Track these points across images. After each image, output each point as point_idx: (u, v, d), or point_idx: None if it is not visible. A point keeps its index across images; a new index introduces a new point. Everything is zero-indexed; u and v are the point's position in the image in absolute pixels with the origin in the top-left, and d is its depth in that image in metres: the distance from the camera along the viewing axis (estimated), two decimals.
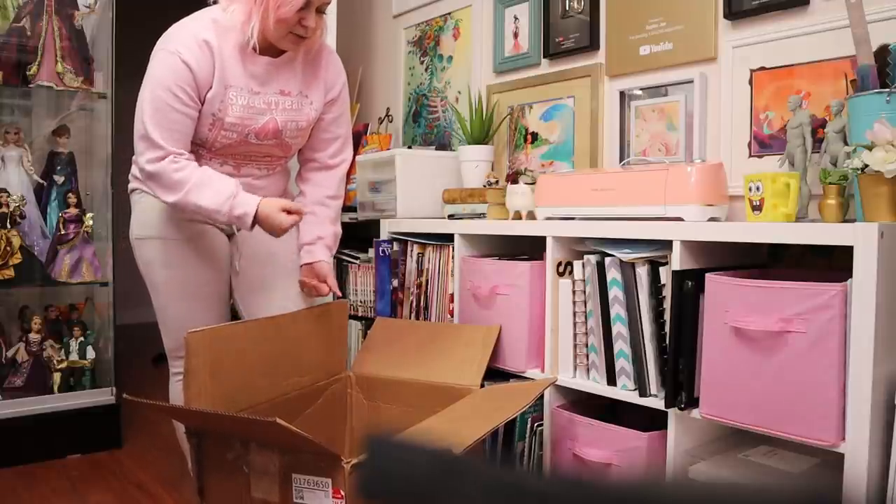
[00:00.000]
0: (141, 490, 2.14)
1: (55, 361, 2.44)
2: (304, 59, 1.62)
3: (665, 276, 1.52)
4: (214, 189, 1.49)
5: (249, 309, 1.72)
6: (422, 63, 2.72)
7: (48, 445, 2.37)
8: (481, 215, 2.06)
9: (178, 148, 1.49)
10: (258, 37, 1.49)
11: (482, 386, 1.72)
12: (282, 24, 1.47)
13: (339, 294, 1.74)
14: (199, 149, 1.58)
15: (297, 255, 1.75)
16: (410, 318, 2.15)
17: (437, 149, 2.55)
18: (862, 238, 1.20)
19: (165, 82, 1.46)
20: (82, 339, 2.50)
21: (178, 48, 1.46)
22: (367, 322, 2.37)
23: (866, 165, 1.28)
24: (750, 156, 1.73)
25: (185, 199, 1.48)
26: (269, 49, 1.56)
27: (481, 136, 2.25)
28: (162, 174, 1.48)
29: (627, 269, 1.59)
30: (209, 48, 1.48)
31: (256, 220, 1.51)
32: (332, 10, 2.50)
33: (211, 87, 1.50)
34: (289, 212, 1.53)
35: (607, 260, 1.62)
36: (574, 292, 1.70)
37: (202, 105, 1.51)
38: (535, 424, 1.76)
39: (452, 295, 2.02)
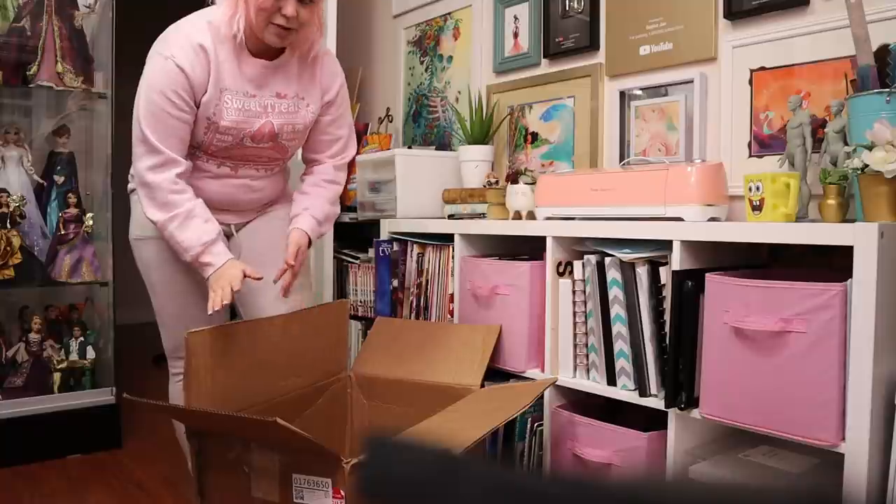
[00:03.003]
0: (141, 490, 2.14)
1: (55, 361, 2.43)
2: (301, 62, 1.61)
3: (665, 276, 1.52)
4: (195, 229, 1.49)
5: (248, 309, 1.72)
6: (422, 63, 2.72)
7: (48, 445, 2.37)
8: (481, 215, 2.06)
9: (175, 153, 1.49)
10: (245, 31, 1.49)
11: (482, 386, 1.72)
12: (261, 14, 1.46)
13: (291, 263, 1.60)
14: (196, 151, 1.58)
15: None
16: (410, 318, 2.15)
17: (437, 149, 2.55)
18: (862, 238, 1.20)
19: (160, 87, 1.46)
20: (82, 339, 2.50)
21: (173, 53, 1.46)
22: (367, 322, 2.37)
23: (866, 165, 1.29)
24: (750, 156, 1.73)
25: (164, 224, 1.49)
26: (264, 52, 1.55)
27: (481, 136, 2.25)
28: (157, 189, 1.48)
29: (627, 269, 1.59)
30: (204, 52, 1.48)
31: (214, 272, 1.50)
32: (331, 10, 2.50)
33: (206, 92, 1.50)
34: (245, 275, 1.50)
35: (607, 260, 1.62)
36: (574, 292, 1.70)
37: (197, 109, 1.51)
38: (535, 424, 1.76)
39: (452, 295, 2.02)
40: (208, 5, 1.55)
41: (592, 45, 2.08)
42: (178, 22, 1.53)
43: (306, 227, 1.66)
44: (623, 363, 1.60)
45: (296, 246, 1.62)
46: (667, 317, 1.51)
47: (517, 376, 1.83)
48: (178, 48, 1.47)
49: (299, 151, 1.80)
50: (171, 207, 1.48)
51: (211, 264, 1.50)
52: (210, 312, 1.47)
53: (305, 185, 1.73)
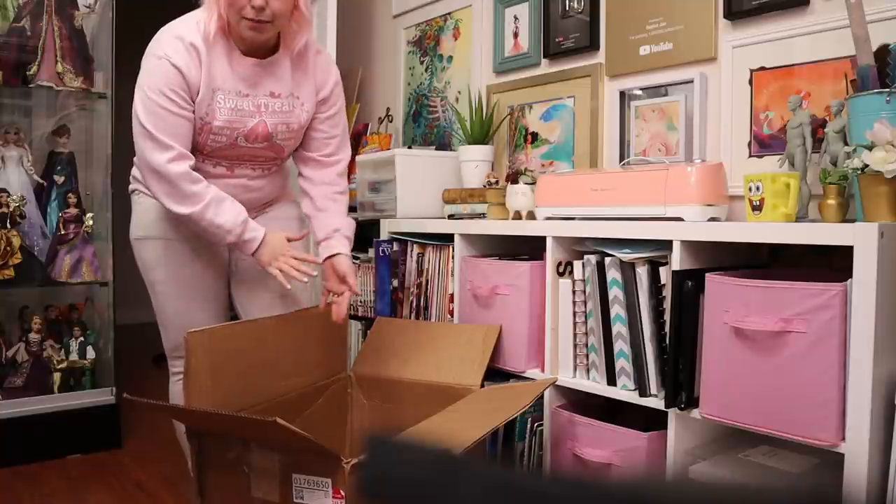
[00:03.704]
0: (141, 490, 2.14)
1: (55, 361, 2.44)
2: (293, 60, 1.61)
3: (665, 276, 1.52)
4: (229, 210, 1.53)
5: (248, 310, 1.72)
6: (422, 63, 2.72)
7: (48, 445, 2.37)
8: (481, 215, 2.07)
9: (185, 148, 1.50)
10: (219, 26, 1.48)
11: (482, 386, 1.72)
12: (231, 8, 1.45)
13: (358, 293, 1.71)
14: (192, 151, 1.58)
15: (298, 254, 1.75)
16: (410, 318, 2.15)
17: (437, 149, 2.55)
18: (862, 238, 1.20)
19: (158, 86, 1.46)
20: (82, 339, 2.50)
21: (166, 52, 1.47)
22: (367, 322, 2.37)
23: (866, 165, 1.29)
24: (750, 156, 1.73)
25: (202, 213, 1.50)
26: (256, 51, 1.55)
27: (481, 136, 2.25)
28: (177, 182, 1.48)
29: (627, 269, 1.59)
30: (196, 51, 1.49)
31: (260, 246, 1.57)
32: (331, 10, 2.50)
33: (199, 91, 1.50)
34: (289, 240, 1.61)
35: (607, 260, 1.62)
36: (574, 292, 1.70)
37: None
38: (535, 424, 1.76)
39: (452, 295, 2.02)
40: (200, 5, 1.55)
41: (592, 45, 2.08)
42: (170, 23, 1.53)
43: (346, 251, 1.68)
44: (623, 363, 1.60)
45: (353, 275, 1.67)
46: (667, 317, 1.51)
47: (517, 376, 1.83)
48: (171, 48, 1.47)
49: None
50: (200, 197, 1.50)
51: (255, 238, 1.55)
52: (305, 280, 1.56)
53: (318, 200, 1.71)
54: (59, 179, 2.50)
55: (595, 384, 1.67)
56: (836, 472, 1.23)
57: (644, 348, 1.56)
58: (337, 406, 1.80)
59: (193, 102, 1.51)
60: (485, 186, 2.11)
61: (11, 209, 2.35)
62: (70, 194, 2.47)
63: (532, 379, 1.77)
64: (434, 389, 1.73)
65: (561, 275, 1.74)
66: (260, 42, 1.53)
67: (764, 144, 1.70)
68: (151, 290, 1.67)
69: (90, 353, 2.50)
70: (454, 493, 0.41)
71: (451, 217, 2.16)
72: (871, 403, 1.19)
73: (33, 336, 2.42)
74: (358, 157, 2.44)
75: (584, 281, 1.68)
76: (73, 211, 2.47)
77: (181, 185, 1.49)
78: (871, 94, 1.35)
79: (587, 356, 1.69)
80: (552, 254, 1.73)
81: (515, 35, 2.33)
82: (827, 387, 1.22)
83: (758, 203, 1.43)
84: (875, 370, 1.19)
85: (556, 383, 1.70)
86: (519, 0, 2.30)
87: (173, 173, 1.48)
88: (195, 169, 1.58)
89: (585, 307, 1.69)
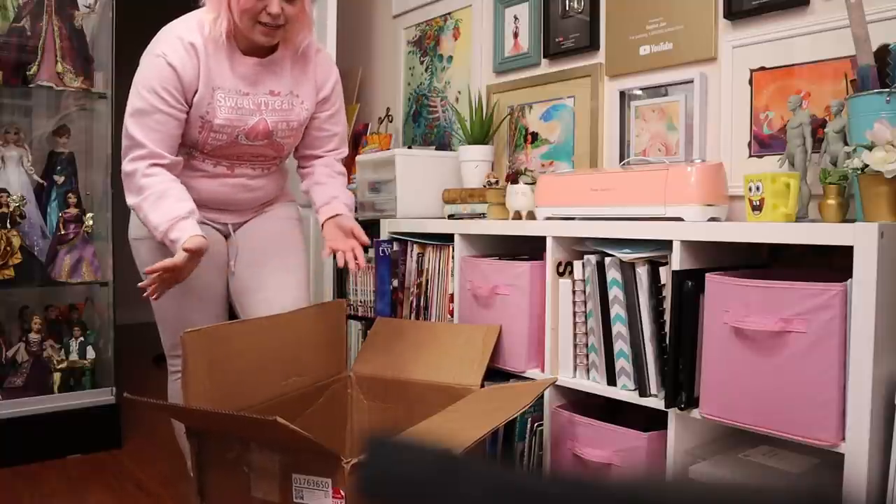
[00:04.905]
0: (141, 490, 2.14)
1: (55, 361, 2.43)
2: (293, 59, 1.62)
3: (665, 276, 1.52)
4: (166, 207, 1.47)
5: (246, 309, 1.72)
6: (422, 63, 2.72)
7: (48, 445, 2.37)
8: (481, 215, 2.06)
9: (161, 148, 1.50)
10: (227, 29, 1.49)
11: (482, 386, 1.72)
12: (246, 14, 1.46)
13: (367, 241, 1.63)
14: (192, 150, 1.59)
15: (296, 254, 1.75)
16: (410, 318, 2.15)
17: (437, 149, 2.55)
18: (862, 238, 1.20)
19: (150, 84, 1.48)
20: (82, 339, 2.50)
21: (164, 51, 1.48)
22: (367, 322, 2.37)
23: (866, 165, 1.29)
24: (750, 156, 1.73)
25: (139, 205, 1.50)
26: (256, 50, 1.56)
27: (481, 136, 2.25)
28: (132, 175, 1.49)
29: (627, 269, 1.59)
30: (195, 50, 1.49)
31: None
32: (331, 10, 2.50)
33: (197, 90, 1.51)
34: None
35: (607, 260, 1.62)
36: (574, 292, 1.70)
37: (190, 108, 1.52)
38: (535, 424, 1.76)
39: (452, 295, 2.02)
40: (202, 5, 1.55)
41: (592, 45, 2.08)
42: (171, 23, 1.54)
43: (346, 211, 1.68)
44: (623, 363, 1.60)
45: (360, 227, 1.64)
46: (667, 317, 1.51)
47: (517, 376, 1.83)
48: (169, 47, 1.48)
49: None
50: (144, 189, 1.49)
51: (179, 240, 1.44)
52: (145, 292, 1.44)
53: (319, 176, 1.73)
54: (59, 179, 2.50)
55: (595, 384, 1.67)
56: (836, 472, 1.23)
57: (644, 348, 1.56)
58: (337, 406, 1.80)
59: (188, 102, 1.51)
60: (485, 186, 2.11)
61: (11, 209, 2.35)
62: (70, 194, 2.47)
63: (532, 379, 1.77)
64: (434, 389, 1.73)
65: (561, 275, 1.74)
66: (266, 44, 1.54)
67: (764, 144, 1.70)
68: None
69: (90, 353, 2.50)
70: (454, 493, 0.41)
71: (451, 217, 2.16)
72: (871, 403, 1.19)
73: (33, 336, 2.42)
74: (358, 157, 2.44)
75: (584, 281, 1.68)
76: (73, 211, 2.46)
77: (133, 177, 1.49)
78: (871, 94, 1.35)
79: (587, 356, 1.69)
80: (552, 254, 1.73)
81: (515, 35, 2.33)
82: (827, 387, 1.22)
83: (758, 203, 1.43)
84: (875, 370, 1.19)
85: (556, 383, 1.70)
86: (519, 0, 2.30)
87: (128, 169, 1.49)
88: (194, 169, 1.59)
89: (585, 307, 1.69)
